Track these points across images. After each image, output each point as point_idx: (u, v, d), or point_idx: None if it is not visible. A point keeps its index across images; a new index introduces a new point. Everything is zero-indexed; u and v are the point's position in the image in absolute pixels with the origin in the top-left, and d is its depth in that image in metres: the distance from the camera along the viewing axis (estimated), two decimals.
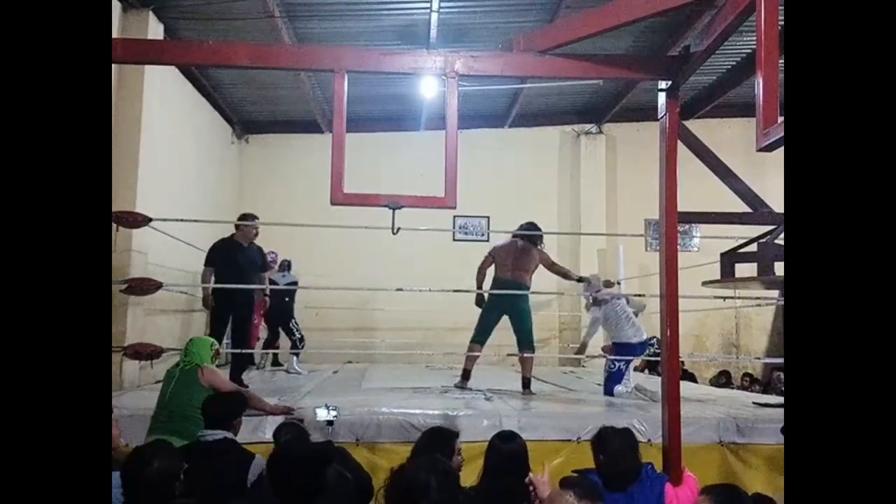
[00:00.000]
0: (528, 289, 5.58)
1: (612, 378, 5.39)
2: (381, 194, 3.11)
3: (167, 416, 3.51)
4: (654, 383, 5.21)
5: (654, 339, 8.35)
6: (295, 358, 7.27)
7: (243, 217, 5.75)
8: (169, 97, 6.54)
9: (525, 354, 5.48)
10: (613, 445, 2.76)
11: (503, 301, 5.50)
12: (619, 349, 5.49)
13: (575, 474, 2.57)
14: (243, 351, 5.52)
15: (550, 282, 9.11)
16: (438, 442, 2.78)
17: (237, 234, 5.61)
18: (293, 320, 7.27)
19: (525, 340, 5.50)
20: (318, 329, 8.55)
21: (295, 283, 7.38)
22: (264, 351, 7.40)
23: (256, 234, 5.65)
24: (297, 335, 7.24)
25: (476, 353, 5.61)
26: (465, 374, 5.53)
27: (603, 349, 6.79)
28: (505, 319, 5.58)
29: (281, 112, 9.05)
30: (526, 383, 5.40)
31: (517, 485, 2.52)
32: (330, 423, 3.60)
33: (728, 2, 2.70)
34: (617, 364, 5.40)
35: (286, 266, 7.55)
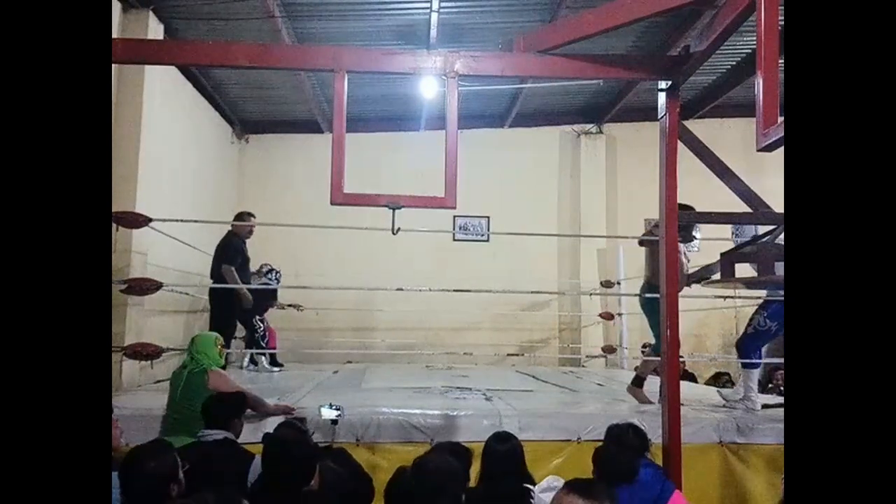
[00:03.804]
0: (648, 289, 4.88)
1: (759, 337, 4.52)
2: (381, 194, 3.12)
3: (177, 419, 3.52)
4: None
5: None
6: (263, 358, 7.05)
7: (242, 215, 6.04)
8: (169, 97, 6.53)
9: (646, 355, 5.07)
10: (611, 445, 2.78)
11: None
12: (774, 308, 4.46)
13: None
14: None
15: (550, 282, 9.20)
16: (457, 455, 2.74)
17: (241, 231, 5.85)
18: (257, 317, 6.94)
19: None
20: (318, 329, 8.55)
21: (265, 285, 7.13)
22: (246, 350, 7.28)
23: (251, 232, 6.08)
24: (260, 332, 6.98)
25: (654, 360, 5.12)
26: (638, 381, 5.03)
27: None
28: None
29: (281, 112, 9.03)
30: (634, 380, 4.94)
31: (517, 487, 2.51)
32: (334, 422, 3.59)
33: (728, 2, 2.70)
34: (768, 323, 4.46)
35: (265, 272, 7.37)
